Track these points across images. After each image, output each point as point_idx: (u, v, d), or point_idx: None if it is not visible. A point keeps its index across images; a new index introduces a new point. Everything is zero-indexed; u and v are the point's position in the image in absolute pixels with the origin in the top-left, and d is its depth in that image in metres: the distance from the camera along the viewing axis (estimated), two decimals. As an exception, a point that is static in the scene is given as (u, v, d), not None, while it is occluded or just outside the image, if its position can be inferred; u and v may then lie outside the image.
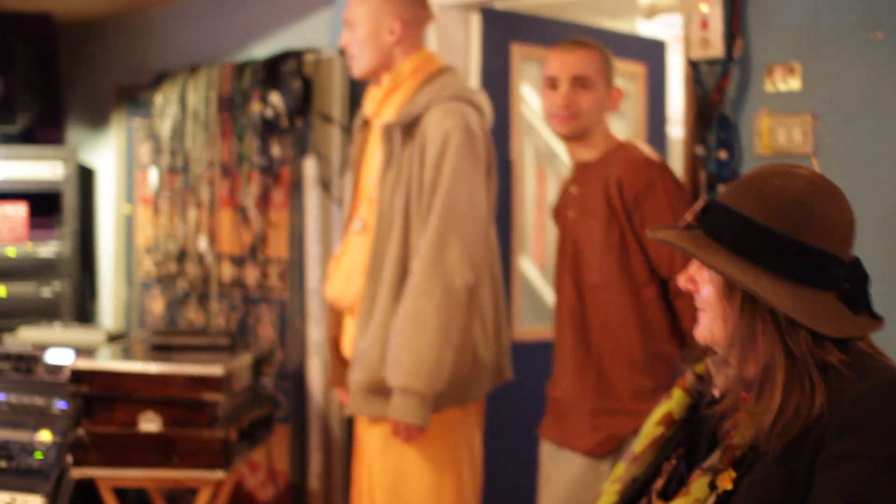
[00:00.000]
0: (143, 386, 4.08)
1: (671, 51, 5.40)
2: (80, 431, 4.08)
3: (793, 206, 1.85)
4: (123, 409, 4.08)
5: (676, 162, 4.84)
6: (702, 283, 1.95)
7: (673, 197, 3.36)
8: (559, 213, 3.66)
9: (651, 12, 6.09)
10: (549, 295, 5.02)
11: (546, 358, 3.72)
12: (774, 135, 3.51)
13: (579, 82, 3.45)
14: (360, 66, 3.73)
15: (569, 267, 3.50)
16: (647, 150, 3.51)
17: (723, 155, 3.62)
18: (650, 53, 5.27)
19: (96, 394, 4.11)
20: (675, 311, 3.39)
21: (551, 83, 3.48)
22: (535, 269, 5.19)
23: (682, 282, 1.97)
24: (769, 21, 3.53)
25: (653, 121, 5.23)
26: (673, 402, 2.12)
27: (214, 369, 4.04)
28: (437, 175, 3.48)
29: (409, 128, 3.57)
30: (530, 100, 4.98)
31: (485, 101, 3.69)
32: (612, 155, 3.46)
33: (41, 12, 6.18)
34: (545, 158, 5.14)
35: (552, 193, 4.94)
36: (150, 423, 4.05)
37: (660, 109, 5.29)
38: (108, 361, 4.23)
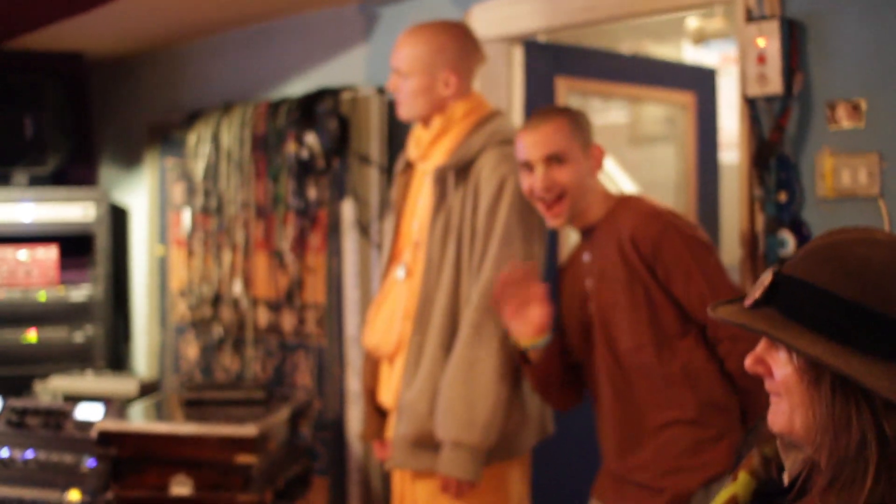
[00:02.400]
0: (174, 448, 3.92)
1: (720, 74, 5.28)
2: (110, 495, 3.91)
3: (881, 277, 1.65)
4: (154, 471, 3.92)
5: (730, 187, 4.69)
6: (776, 366, 1.75)
7: (689, 240, 3.14)
8: (572, 283, 3.43)
9: (699, 37, 5.89)
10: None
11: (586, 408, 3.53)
12: (838, 175, 3.32)
13: (553, 159, 3.19)
14: (409, 113, 3.63)
15: (602, 338, 3.28)
16: (649, 200, 3.30)
17: (782, 197, 3.44)
18: (699, 81, 5.10)
19: (125, 456, 3.95)
20: (718, 355, 3.17)
21: (527, 167, 3.24)
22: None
23: (749, 364, 1.77)
24: (831, 55, 3.34)
25: (703, 148, 5.08)
26: (738, 486, 1.94)
27: (248, 430, 3.86)
28: (492, 221, 3.39)
29: (461, 171, 3.47)
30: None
31: None
32: (617, 212, 3.23)
33: (72, 51, 6.06)
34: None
35: None
36: (181, 487, 3.87)
37: (710, 137, 5.13)
38: (136, 422, 4.08)
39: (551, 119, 3.23)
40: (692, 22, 5.83)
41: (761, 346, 1.76)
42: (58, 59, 6.06)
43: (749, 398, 3.12)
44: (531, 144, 3.20)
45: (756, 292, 1.76)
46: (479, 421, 3.30)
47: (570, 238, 4.51)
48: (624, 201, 3.27)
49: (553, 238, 4.26)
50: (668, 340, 3.16)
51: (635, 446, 3.24)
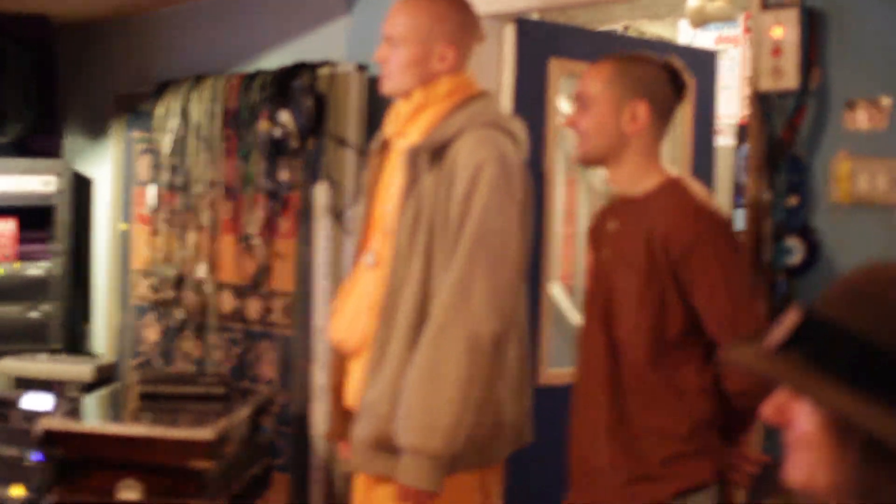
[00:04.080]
0: (124, 450, 3.65)
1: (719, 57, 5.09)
2: (53, 497, 3.63)
3: None
4: (101, 474, 3.65)
5: (724, 171, 4.46)
6: (798, 418, 1.49)
7: (723, 254, 2.93)
8: (593, 244, 3.21)
9: (699, 18, 5.64)
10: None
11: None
12: (855, 180, 3.09)
13: (580, 101, 3.07)
14: (395, 87, 3.33)
15: (599, 315, 3.09)
16: (698, 191, 3.04)
17: (793, 201, 3.21)
18: (699, 64, 4.86)
19: (72, 457, 3.68)
20: (715, 371, 2.98)
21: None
22: (563, 295, 4.79)
23: (769, 413, 1.52)
24: (853, 49, 3.11)
25: (699, 132, 4.88)
26: None
27: (204, 433, 3.59)
28: (467, 209, 3.10)
29: (436, 153, 3.18)
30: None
31: (521, 131, 3.30)
32: (659, 196, 3.02)
33: (37, 14, 5.76)
34: (577, 168, 4.75)
35: (583, 205, 4.65)
36: (129, 492, 3.61)
37: (707, 122, 4.93)
38: (85, 421, 3.82)
39: (603, 61, 3.08)
40: (692, 1, 5.58)
41: (782, 394, 1.52)
42: (22, 22, 5.76)
43: (736, 418, 2.98)
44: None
45: (781, 333, 1.51)
46: (440, 427, 3.04)
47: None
48: (671, 187, 3.04)
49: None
50: (666, 347, 2.97)
51: (616, 442, 3.06)
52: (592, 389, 3.11)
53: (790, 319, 1.50)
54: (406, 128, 3.32)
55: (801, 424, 1.50)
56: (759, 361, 1.54)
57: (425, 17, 3.27)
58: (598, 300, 3.10)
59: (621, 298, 3.05)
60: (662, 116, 3.04)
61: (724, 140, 5.78)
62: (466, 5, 3.38)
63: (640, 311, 2.99)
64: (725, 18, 5.57)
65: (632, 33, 5.88)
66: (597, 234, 3.21)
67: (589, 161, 3.13)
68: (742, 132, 5.68)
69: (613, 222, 3.13)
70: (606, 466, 3.08)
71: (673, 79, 3.06)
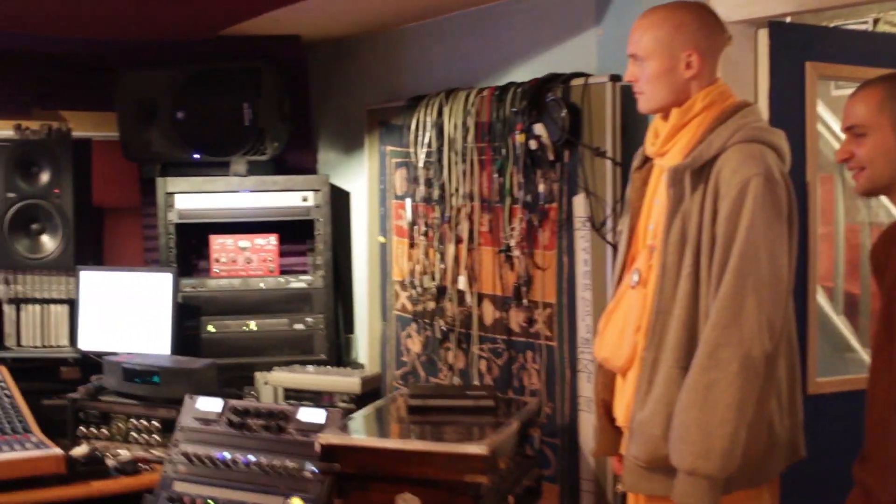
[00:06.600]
0: (400, 464, 3.71)
1: None
2: (334, 510, 3.76)
3: None
4: (379, 488, 3.73)
5: None
6: None
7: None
8: (877, 270, 3.13)
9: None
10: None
11: (848, 414, 3.26)
12: None
13: (852, 131, 3.00)
14: (649, 103, 3.37)
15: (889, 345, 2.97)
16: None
17: None
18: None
19: (350, 471, 3.78)
20: None
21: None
22: (825, 299, 4.70)
23: None
24: None
25: None
26: None
27: (479, 448, 3.63)
28: (733, 228, 3.09)
29: (700, 171, 3.18)
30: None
31: (784, 143, 3.27)
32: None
33: (289, 34, 5.93)
34: (832, 165, 4.69)
35: (839, 203, 4.62)
36: (408, 505, 3.69)
37: None
38: (361, 437, 3.92)
39: (867, 86, 3.03)
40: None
41: None
42: (275, 43, 5.93)
43: None
44: (844, 113, 3.07)
45: None
46: (716, 449, 3.05)
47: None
48: None
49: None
50: None
51: None
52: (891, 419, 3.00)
53: None
54: (666, 147, 3.33)
55: None
56: None
57: (665, 28, 3.28)
58: (887, 330, 3.01)
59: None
60: None
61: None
62: (706, 10, 3.36)
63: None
64: None
65: (883, 26, 5.68)
66: (880, 260, 3.11)
67: (872, 192, 3.05)
68: None
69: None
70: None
71: None
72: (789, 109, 4.12)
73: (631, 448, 3.30)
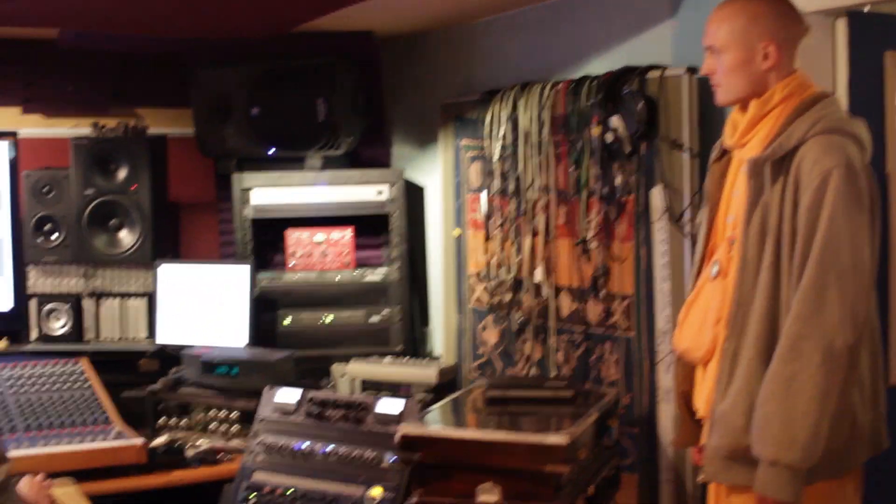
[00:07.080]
0: (481, 454, 3.75)
1: None
2: (415, 499, 3.78)
3: None
4: (460, 478, 3.76)
5: None
6: None
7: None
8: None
9: None
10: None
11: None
12: None
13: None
14: (727, 95, 3.38)
15: None
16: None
17: None
18: None
19: (429, 461, 3.82)
20: None
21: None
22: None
23: None
24: None
25: None
26: None
27: (559, 438, 3.65)
28: (815, 219, 3.09)
29: (780, 163, 3.18)
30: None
31: (865, 133, 3.26)
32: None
33: (362, 30, 5.96)
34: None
35: None
36: (489, 495, 3.71)
37: None
38: (441, 427, 3.95)
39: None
40: None
41: None
42: (347, 39, 5.96)
43: None
44: None
45: None
46: (799, 440, 3.06)
47: None
48: None
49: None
50: None
51: None
52: None
53: None
54: (745, 139, 3.33)
55: None
56: None
57: (741, 19, 3.29)
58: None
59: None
60: None
61: None
62: (783, 0, 3.35)
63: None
64: None
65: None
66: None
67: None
68: None
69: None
70: None
71: None
72: (868, 100, 4.10)
73: (712, 438, 3.31)
